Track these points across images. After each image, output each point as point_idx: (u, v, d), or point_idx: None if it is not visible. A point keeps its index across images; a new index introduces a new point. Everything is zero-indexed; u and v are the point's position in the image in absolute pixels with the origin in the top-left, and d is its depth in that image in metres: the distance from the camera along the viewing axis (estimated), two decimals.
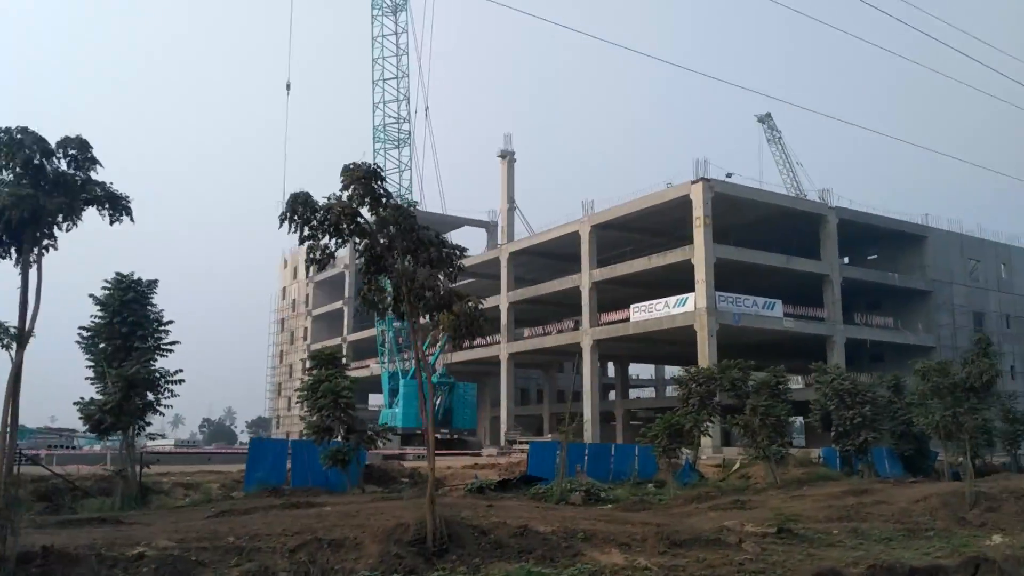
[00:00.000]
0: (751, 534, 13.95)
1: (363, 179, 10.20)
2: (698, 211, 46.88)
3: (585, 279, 54.43)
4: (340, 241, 10.43)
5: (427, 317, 11.02)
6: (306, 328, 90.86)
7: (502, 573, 9.65)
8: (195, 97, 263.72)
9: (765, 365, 59.85)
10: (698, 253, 46.70)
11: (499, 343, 61.95)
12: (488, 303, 63.83)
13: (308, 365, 20.27)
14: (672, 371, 78.50)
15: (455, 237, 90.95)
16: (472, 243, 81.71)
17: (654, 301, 49.93)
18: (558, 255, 60.84)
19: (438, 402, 53.98)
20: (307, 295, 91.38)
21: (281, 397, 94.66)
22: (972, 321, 56.58)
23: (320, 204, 10.38)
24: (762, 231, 53.37)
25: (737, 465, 30.75)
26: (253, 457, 21.40)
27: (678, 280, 48.52)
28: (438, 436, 52.24)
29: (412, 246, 10.61)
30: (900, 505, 17.54)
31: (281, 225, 10.15)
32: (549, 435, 58.78)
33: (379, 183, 10.40)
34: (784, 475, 27.72)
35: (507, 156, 73.76)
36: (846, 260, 58.64)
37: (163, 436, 67.85)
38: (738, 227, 52.48)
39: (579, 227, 55.33)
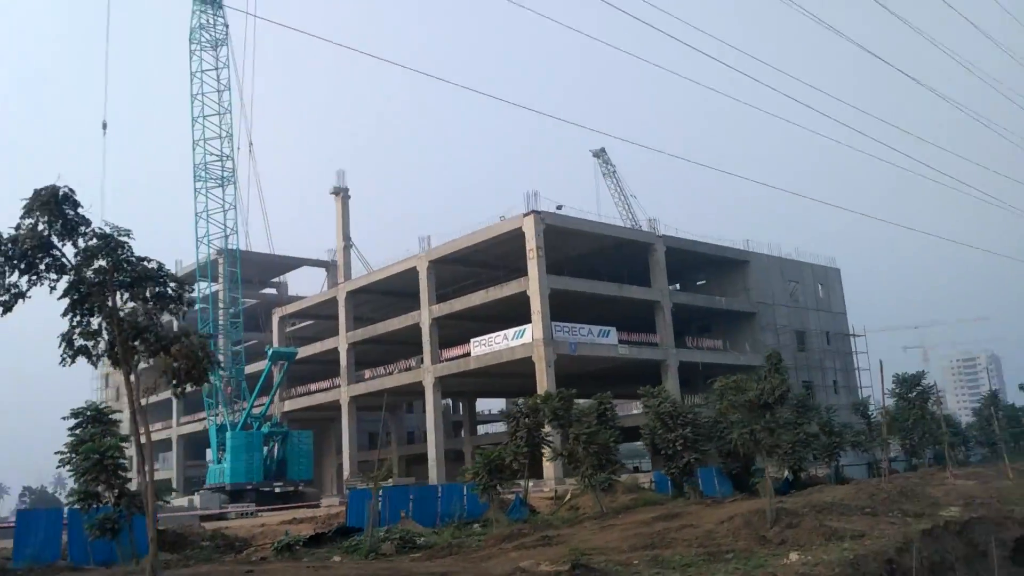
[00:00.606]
0: (543, 573, 13.18)
1: (48, 203, 8.66)
2: (531, 243, 46.94)
3: (425, 316, 53.35)
4: (33, 278, 8.83)
5: (150, 362, 9.59)
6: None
7: None
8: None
9: (604, 392, 61.02)
10: (532, 285, 46.66)
11: (339, 387, 59.69)
12: (327, 345, 61.71)
13: (70, 424, 18.00)
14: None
15: (293, 277, 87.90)
16: (312, 285, 79.31)
17: (493, 335, 49.46)
18: (398, 292, 59.51)
19: (272, 454, 51.30)
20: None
21: None
22: (795, 340, 59.49)
23: (5, 235, 8.78)
24: (596, 261, 54.25)
25: (568, 496, 30.30)
26: (21, 530, 18.91)
27: (517, 313, 48.30)
28: (274, 490, 49.56)
29: (130, 281, 9.19)
30: (706, 527, 17.33)
31: None
32: (401, 479, 57.00)
33: (72, 208, 8.88)
34: (612, 503, 27.44)
35: (340, 192, 72.02)
36: (677, 286, 60.59)
37: None
38: (572, 258, 53.13)
39: (417, 263, 54.30)
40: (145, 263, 9.35)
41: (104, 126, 56.37)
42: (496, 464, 24.05)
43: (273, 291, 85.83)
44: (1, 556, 19.64)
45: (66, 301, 8.95)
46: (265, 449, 50.93)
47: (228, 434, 50.24)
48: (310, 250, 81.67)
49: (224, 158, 55.40)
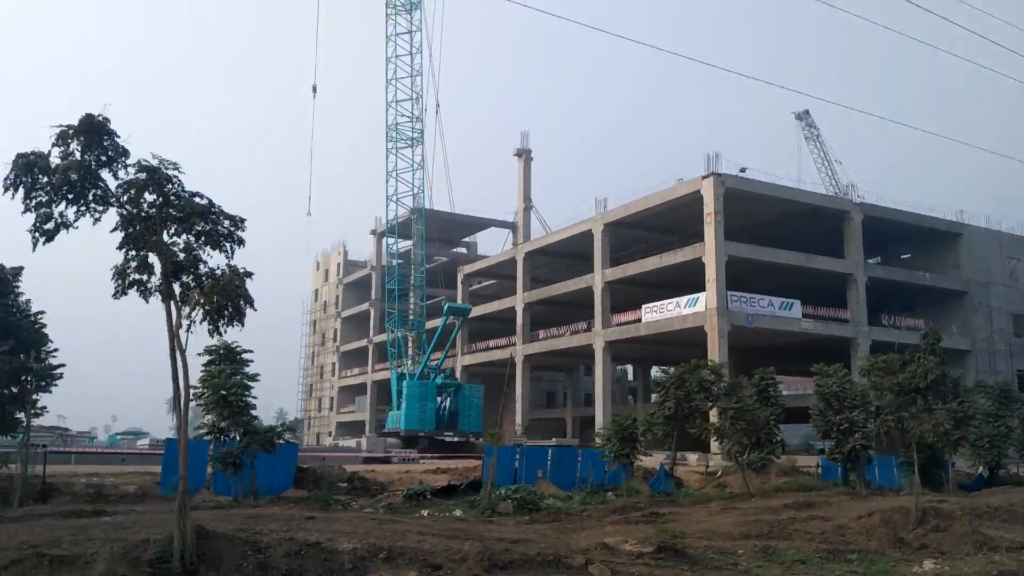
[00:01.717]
0: (627, 552, 12.35)
1: (86, 131, 8.75)
2: (708, 207, 44.79)
3: (597, 279, 52.69)
4: (81, 209, 9.04)
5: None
6: (336, 330, 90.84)
7: None
8: (219, 99, 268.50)
9: (783, 369, 57.58)
10: (708, 251, 44.60)
11: (514, 345, 60.52)
12: (505, 304, 62.68)
13: (204, 361, 19.14)
14: None
15: (482, 237, 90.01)
16: (500, 245, 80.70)
17: (666, 301, 47.94)
18: (574, 255, 59.20)
19: (444, 404, 53.02)
20: (337, 296, 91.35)
21: (312, 399, 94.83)
22: (1012, 324, 53.11)
23: (57, 165, 9.02)
24: (782, 229, 50.83)
25: (720, 473, 28.81)
26: (169, 459, 20.48)
27: (692, 280, 46.49)
28: (444, 439, 51.28)
29: (182, 216, 9.30)
30: (839, 521, 15.64)
31: (5, 191, 8.90)
32: (574, 439, 57.22)
33: (109, 137, 8.93)
34: (764, 484, 25.76)
35: (523, 155, 72.30)
36: (878, 260, 55.76)
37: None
38: (756, 225, 50.10)
39: (592, 225, 53.63)
40: (197, 199, 9.39)
41: (314, 89, 60.33)
42: (629, 432, 23.12)
43: (463, 250, 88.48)
44: (152, 481, 21.44)
45: (119, 234, 9.13)
46: (439, 400, 52.76)
47: (405, 383, 52.47)
48: (495, 211, 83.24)
49: (414, 119, 57.44)
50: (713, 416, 27.74)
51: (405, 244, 64.07)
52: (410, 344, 59.34)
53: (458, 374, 64.10)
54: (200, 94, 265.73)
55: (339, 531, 11.21)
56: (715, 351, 42.85)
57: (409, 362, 57.58)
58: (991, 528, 15.17)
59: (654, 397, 78.86)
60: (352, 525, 12.26)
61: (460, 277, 69.81)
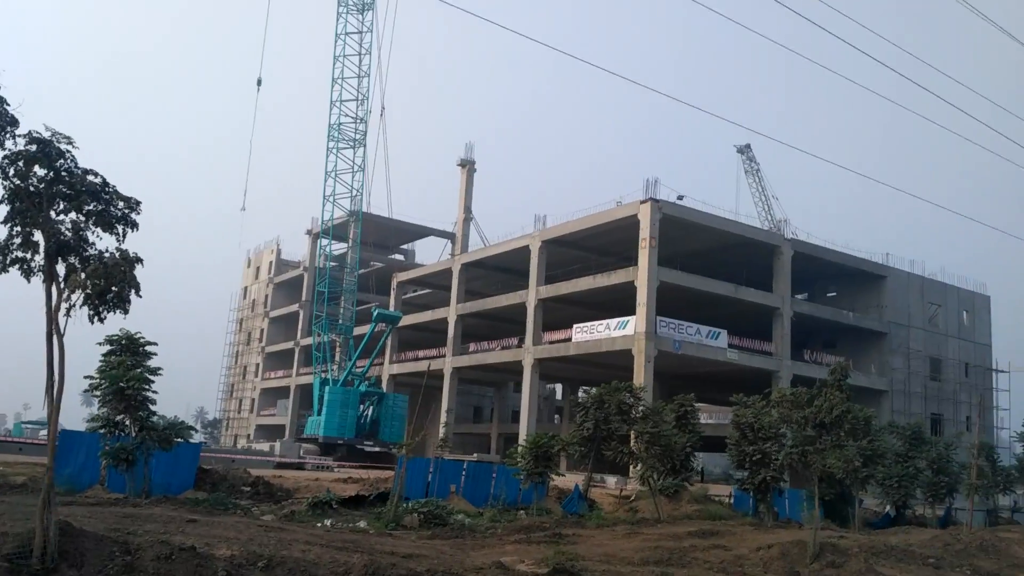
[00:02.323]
0: (520, 573, 12.11)
1: None
2: (644, 232, 45.16)
3: (531, 296, 52.65)
4: None
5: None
6: (262, 330, 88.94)
7: None
8: (156, 94, 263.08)
9: (709, 397, 58.28)
10: (641, 275, 44.91)
11: (444, 356, 60.05)
12: (438, 315, 62.19)
13: (104, 351, 18.32)
14: None
15: (419, 246, 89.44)
16: (438, 255, 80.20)
17: (596, 323, 48.11)
18: (510, 270, 59.15)
19: (366, 413, 52.21)
20: (266, 296, 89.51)
21: (232, 399, 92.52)
22: (928, 367, 54.77)
23: None
24: (715, 259, 51.64)
25: (633, 497, 28.84)
26: (62, 451, 19.50)
27: (624, 303, 46.78)
28: (364, 448, 50.43)
29: (72, 193, 8.77)
30: (738, 552, 15.67)
31: None
32: (497, 455, 56.84)
33: None
34: (675, 510, 25.87)
35: (467, 165, 72.13)
36: (805, 296, 57.00)
37: None
38: (689, 253, 50.74)
39: (530, 241, 53.62)
40: (90, 176, 8.88)
41: (259, 82, 59.29)
42: (543, 451, 22.94)
43: (400, 257, 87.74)
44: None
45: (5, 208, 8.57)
46: (361, 408, 51.92)
47: (327, 388, 51.50)
48: (434, 220, 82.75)
49: (358, 120, 56.71)
50: (632, 439, 27.77)
51: (341, 247, 63.18)
52: (337, 349, 58.39)
53: (385, 383, 63.29)
54: (142, 80, 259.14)
55: (220, 536, 10.71)
56: (640, 375, 43.08)
57: (334, 367, 56.59)
58: (886, 567, 15.36)
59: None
60: (235, 531, 11.74)
61: (394, 284, 69.11)
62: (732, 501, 31.30)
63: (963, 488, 35.05)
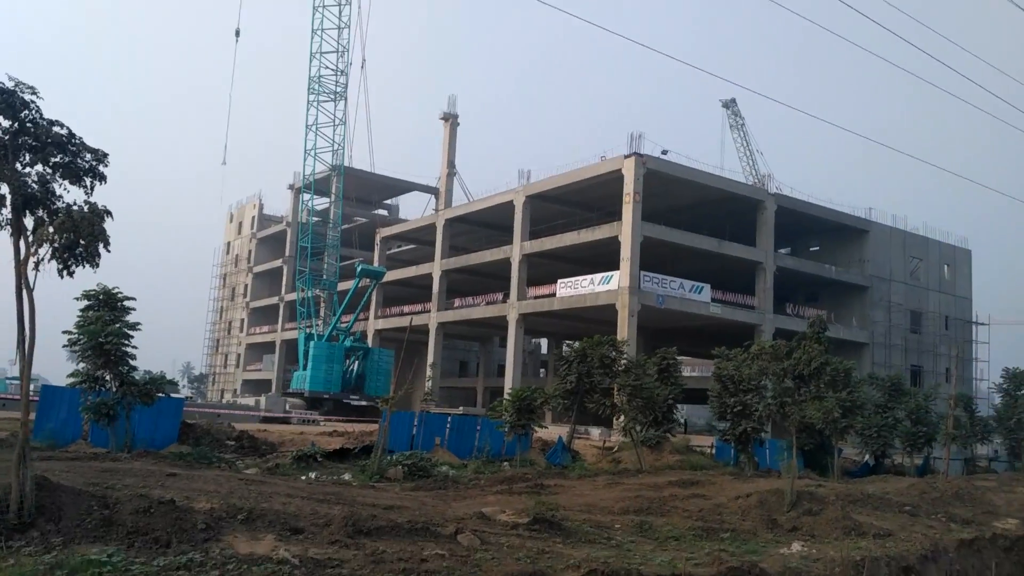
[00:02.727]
0: (502, 523, 12.23)
1: None
2: (628, 186, 44.98)
3: (515, 251, 52.55)
4: None
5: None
6: (246, 285, 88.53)
7: (77, 558, 7.79)
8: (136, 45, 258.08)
9: (692, 351, 58.66)
10: (625, 230, 44.86)
11: (429, 312, 60.06)
12: (422, 270, 62.07)
13: (82, 306, 18.14)
14: None
15: (402, 202, 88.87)
16: (423, 210, 79.74)
17: (580, 277, 48.17)
18: (495, 225, 58.99)
19: (352, 368, 52.31)
20: (250, 251, 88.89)
21: (218, 354, 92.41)
22: (909, 320, 55.32)
23: None
24: (699, 214, 51.64)
25: (616, 448, 29.16)
26: (44, 406, 19.49)
27: (608, 258, 46.81)
28: (350, 402, 50.62)
29: (38, 145, 8.56)
30: (718, 501, 15.90)
31: None
32: (483, 409, 57.21)
33: None
34: (657, 461, 26.19)
35: (450, 119, 71.33)
36: (788, 250, 57.19)
37: None
38: (674, 208, 50.71)
39: (514, 196, 53.35)
40: (56, 128, 8.67)
41: (237, 33, 58.15)
42: (526, 404, 23.10)
43: (384, 212, 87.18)
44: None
45: None
46: (346, 362, 52.00)
47: (312, 343, 51.50)
48: (418, 176, 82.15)
49: (338, 73, 55.84)
50: (615, 392, 28.01)
51: (323, 202, 62.64)
52: (321, 304, 58.27)
53: (370, 338, 63.31)
54: (124, 35, 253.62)
55: (200, 490, 10.72)
56: (624, 329, 43.31)
57: (319, 323, 56.52)
58: (862, 515, 15.62)
59: None
60: (216, 484, 11.76)
61: (378, 239, 68.76)
62: (714, 452, 31.70)
63: (941, 438, 35.77)
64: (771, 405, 20.28)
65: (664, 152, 47.93)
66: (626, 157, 45.44)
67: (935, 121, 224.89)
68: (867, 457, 36.37)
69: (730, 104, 75.54)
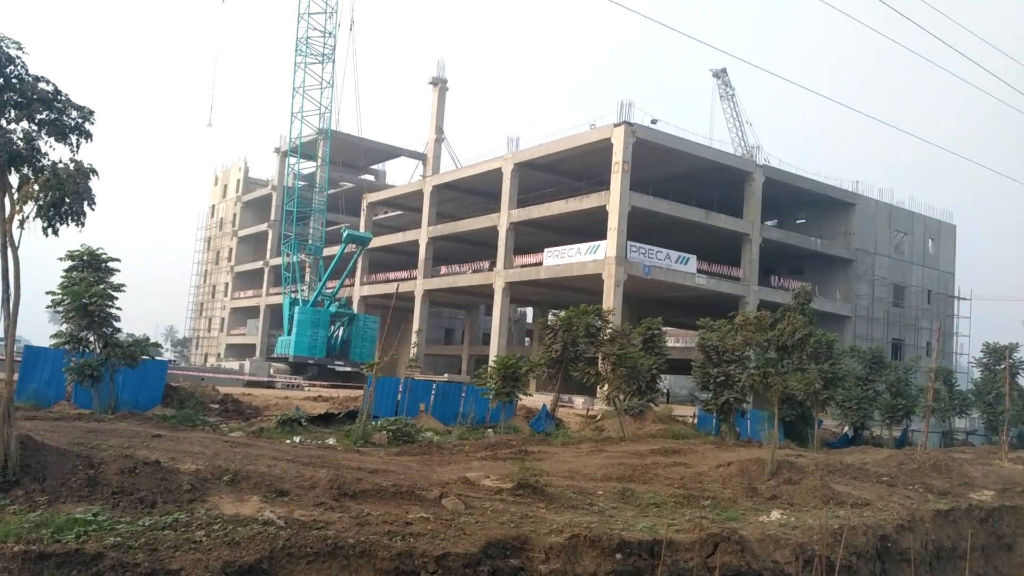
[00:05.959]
0: (486, 488, 12.35)
1: None
2: (617, 155, 44.84)
3: (503, 219, 52.43)
4: None
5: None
6: (231, 249, 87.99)
7: (62, 516, 7.81)
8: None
9: (678, 322, 58.92)
10: (613, 199, 44.80)
11: (415, 279, 59.98)
12: (409, 237, 61.86)
13: (66, 267, 18.01)
14: None
15: (390, 167, 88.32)
16: (410, 176, 79.30)
17: (567, 247, 48.16)
18: (483, 192, 58.74)
19: (337, 334, 52.29)
20: (235, 215, 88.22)
21: (202, 318, 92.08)
22: (892, 293, 55.74)
23: None
24: (687, 184, 51.59)
25: (600, 416, 29.39)
26: (26, 367, 19.40)
27: (595, 228, 46.79)
28: (335, 368, 50.67)
29: (23, 101, 8.43)
30: (699, 469, 16.09)
31: None
32: (468, 376, 57.44)
33: None
34: (640, 430, 26.42)
35: (439, 84, 70.66)
36: (774, 222, 57.33)
37: None
38: (662, 178, 50.65)
39: (502, 164, 53.09)
40: (42, 84, 8.54)
41: None
42: (511, 371, 23.20)
43: (371, 178, 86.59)
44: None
45: None
46: (331, 328, 51.97)
47: (297, 308, 51.40)
48: (404, 141, 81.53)
49: (326, 35, 55.18)
50: (600, 361, 28.15)
51: (309, 166, 62.16)
52: (306, 269, 58.07)
53: (355, 304, 63.22)
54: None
55: (185, 451, 10.74)
56: (610, 299, 43.42)
57: (304, 288, 56.36)
58: (841, 484, 15.86)
59: None
60: (201, 446, 11.78)
61: (364, 205, 68.40)
62: (696, 421, 32.01)
63: (919, 411, 36.24)
64: (754, 376, 20.45)
65: (653, 121, 47.82)
66: (616, 126, 45.25)
67: (923, 95, 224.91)
68: (847, 429, 36.87)
69: (721, 74, 75.18)
